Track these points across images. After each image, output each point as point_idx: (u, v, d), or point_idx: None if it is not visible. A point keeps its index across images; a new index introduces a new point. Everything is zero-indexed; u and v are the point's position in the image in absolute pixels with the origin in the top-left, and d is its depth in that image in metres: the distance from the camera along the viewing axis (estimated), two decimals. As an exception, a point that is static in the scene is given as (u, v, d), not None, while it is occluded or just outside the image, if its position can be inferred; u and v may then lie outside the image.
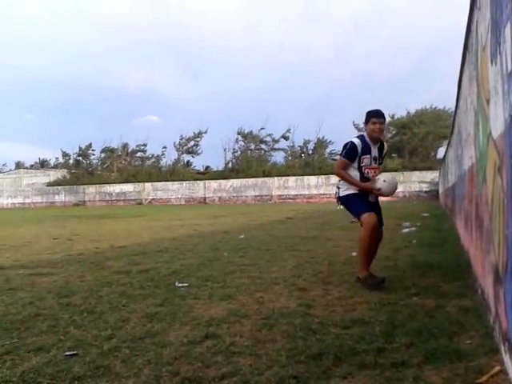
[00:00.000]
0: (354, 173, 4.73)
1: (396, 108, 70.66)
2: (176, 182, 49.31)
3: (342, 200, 4.84)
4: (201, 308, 3.79)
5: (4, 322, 3.43)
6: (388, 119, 53.44)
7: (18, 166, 69.07)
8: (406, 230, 10.16)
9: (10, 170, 65.03)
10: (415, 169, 41.75)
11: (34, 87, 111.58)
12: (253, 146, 57.76)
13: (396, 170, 41.60)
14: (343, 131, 69.12)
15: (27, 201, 54.82)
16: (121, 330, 3.20)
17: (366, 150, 4.67)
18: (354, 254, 6.55)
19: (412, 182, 40.75)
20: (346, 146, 4.71)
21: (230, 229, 12.15)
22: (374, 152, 4.75)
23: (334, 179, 38.41)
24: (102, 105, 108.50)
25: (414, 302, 3.80)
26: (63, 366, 2.54)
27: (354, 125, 53.32)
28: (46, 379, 2.35)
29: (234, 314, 3.56)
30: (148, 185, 50.29)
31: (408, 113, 52.82)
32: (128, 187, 50.93)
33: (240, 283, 4.76)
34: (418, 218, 13.88)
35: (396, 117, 52.98)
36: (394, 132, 53.03)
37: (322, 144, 55.00)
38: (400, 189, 40.74)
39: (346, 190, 4.79)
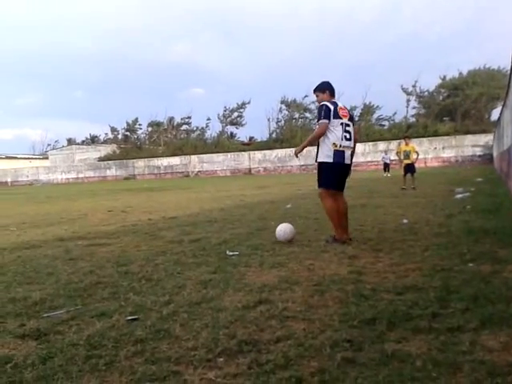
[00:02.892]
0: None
1: (447, 69, 67.24)
2: (221, 154, 49.74)
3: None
4: (252, 275, 3.88)
5: (68, 290, 3.66)
6: (438, 81, 51.11)
7: (70, 142, 72.12)
8: (460, 196, 9.84)
9: (63, 147, 67.88)
10: (468, 132, 39.92)
11: (81, 64, 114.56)
12: (297, 115, 57.08)
13: (448, 134, 40.01)
14: (391, 95, 66.84)
15: (80, 176, 57.11)
16: (178, 296, 3.34)
17: None
18: (406, 221, 6.45)
19: (465, 146, 39.06)
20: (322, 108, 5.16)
21: (276, 199, 12.20)
22: None
23: (382, 146, 37.37)
24: (146, 79, 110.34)
25: (469, 267, 3.73)
26: (126, 330, 2.69)
27: (403, 88, 51.48)
28: (111, 342, 2.51)
29: (285, 280, 3.63)
30: (194, 157, 51.05)
31: (460, 73, 50.28)
32: (175, 160, 51.93)
33: (289, 251, 4.82)
34: (471, 183, 13.37)
35: (448, 78, 50.49)
36: (445, 94, 50.67)
37: (368, 110, 53.50)
38: (452, 153, 39.23)
39: None
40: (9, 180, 59.73)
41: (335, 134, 5.06)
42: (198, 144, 55.76)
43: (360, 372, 2.02)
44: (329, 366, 2.08)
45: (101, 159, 57.92)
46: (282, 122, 56.34)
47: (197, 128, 65.13)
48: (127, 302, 3.25)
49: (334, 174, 5.17)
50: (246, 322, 2.72)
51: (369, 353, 2.20)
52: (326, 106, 5.09)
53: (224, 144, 53.96)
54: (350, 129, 5.22)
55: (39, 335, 2.69)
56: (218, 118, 60.63)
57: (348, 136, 5.17)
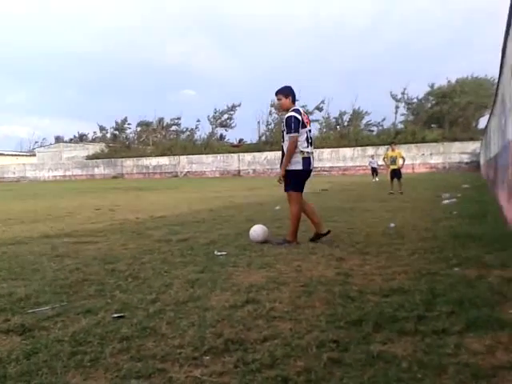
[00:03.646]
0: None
1: (436, 77, 67.93)
2: (210, 155, 49.61)
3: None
4: (240, 275, 3.88)
5: (53, 287, 3.62)
6: (427, 88, 51.58)
7: (58, 140, 71.39)
8: (446, 202, 9.94)
9: (51, 144, 67.18)
10: (455, 139, 40.33)
11: (72, 63, 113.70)
12: (287, 117, 56.97)
13: (436, 141, 40.39)
14: (380, 102, 67.39)
15: (68, 173, 56.55)
16: (165, 294, 3.33)
17: None
18: (393, 225, 6.50)
19: (452, 153, 39.47)
20: (292, 120, 5.27)
21: (265, 201, 12.21)
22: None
23: (371, 151, 37.62)
24: (138, 80, 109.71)
25: (455, 272, 3.76)
26: (111, 327, 2.67)
27: (392, 95, 51.84)
28: (96, 339, 2.48)
29: (273, 281, 3.63)
30: (183, 158, 50.85)
31: (449, 82, 50.69)
32: (164, 160, 51.67)
33: (277, 252, 4.83)
34: (458, 190, 13.52)
35: (436, 86, 51.01)
36: (433, 102, 51.18)
37: (357, 115, 53.75)
38: (440, 160, 39.61)
39: None
40: (-6, 176, 58.99)
41: (302, 142, 5.30)
42: (187, 145, 55.54)
43: (346, 372, 2.02)
44: (315, 365, 2.09)
45: (89, 157, 57.44)
46: (272, 124, 56.37)
47: (186, 129, 64.86)
48: (113, 300, 3.23)
49: (301, 179, 5.43)
50: (233, 321, 2.71)
51: (355, 353, 2.20)
52: (295, 117, 5.22)
53: (213, 145, 53.86)
54: (312, 134, 5.52)
55: (24, 331, 2.65)
56: (208, 119, 60.45)
57: (311, 141, 5.46)
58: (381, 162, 18.52)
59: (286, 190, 5.47)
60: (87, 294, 3.42)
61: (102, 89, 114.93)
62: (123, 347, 2.36)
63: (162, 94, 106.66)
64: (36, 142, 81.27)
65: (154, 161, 52.33)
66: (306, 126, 5.33)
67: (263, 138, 53.83)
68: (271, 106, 56.04)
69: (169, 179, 43.87)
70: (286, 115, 5.30)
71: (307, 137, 5.35)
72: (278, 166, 5.36)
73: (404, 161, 14.52)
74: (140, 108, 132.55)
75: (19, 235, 6.67)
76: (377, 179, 22.93)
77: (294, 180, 5.36)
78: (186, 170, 50.48)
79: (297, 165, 5.32)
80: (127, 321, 2.77)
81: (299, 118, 5.25)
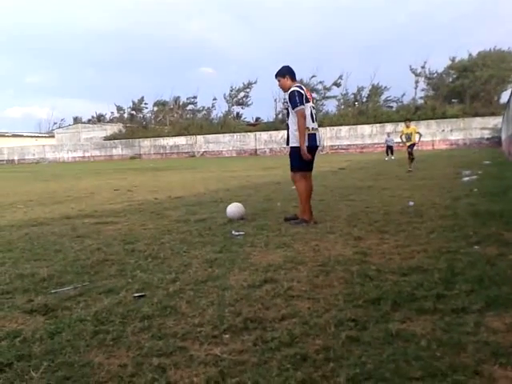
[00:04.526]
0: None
1: (457, 50, 65.98)
2: (227, 134, 49.49)
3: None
4: (258, 255, 3.90)
5: (75, 267, 3.70)
6: (448, 62, 50.23)
7: (76, 121, 71.89)
8: (467, 179, 9.77)
9: (69, 125, 67.78)
10: (476, 114, 39.39)
11: (91, 42, 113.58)
12: (306, 94, 56.31)
13: (456, 116, 39.52)
14: (399, 77, 65.96)
15: (86, 154, 57.14)
16: (184, 274, 3.38)
17: None
18: (411, 203, 6.43)
19: (473, 129, 38.61)
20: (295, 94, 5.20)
21: (282, 180, 12.18)
22: None
23: (390, 127, 37.02)
24: (155, 58, 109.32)
25: (475, 250, 3.72)
26: (133, 306, 2.73)
27: (411, 69, 50.70)
28: (118, 318, 2.55)
29: (291, 260, 3.65)
30: (200, 137, 50.86)
31: (470, 55, 49.26)
32: (181, 140, 51.77)
33: (295, 232, 4.83)
34: (479, 166, 13.26)
35: (457, 59, 49.61)
36: (454, 76, 49.89)
37: (376, 91, 52.79)
38: (460, 136, 38.81)
39: None
40: (15, 158, 59.91)
41: (307, 118, 5.23)
42: (203, 124, 55.44)
43: (364, 350, 2.04)
44: (333, 344, 2.11)
45: (107, 138, 57.83)
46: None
47: (203, 108, 64.65)
48: (134, 280, 3.29)
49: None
50: (252, 300, 2.75)
51: (373, 332, 2.22)
52: (298, 91, 5.17)
53: (230, 124, 53.65)
54: (315, 111, 5.49)
55: (47, 311, 2.73)
56: (225, 97, 60.10)
57: (315, 118, 5.43)
58: (397, 140, 18.21)
59: (292, 170, 5.42)
60: (108, 273, 3.49)
61: (119, 68, 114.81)
62: (144, 326, 2.41)
63: (179, 73, 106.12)
64: (55, 123, 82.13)
65: (170, 141, 52.48)
66: (309, 101, 5.30)
67: (280, 116, 53.38)
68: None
69: (186, 159, 44.06)
70: (289, 91, 5.25)
71: (311, 112, 5.32)
72: (294, 144, 5.26)
73: (420, 136, 14.40)
74: (157, 87, 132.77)
75: (40, 216, 6.81)
76: (392, 157, 22.49)
77: (301, 157, 5.25)
78: (202, 150, 50.56)
79: (297, 141, 5.25)
80: (148, 300, 2.83)
81: (302, 91, 5.21)
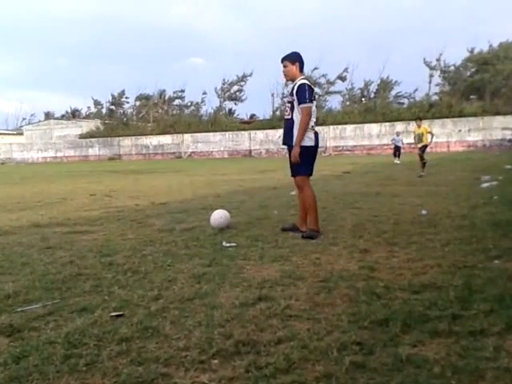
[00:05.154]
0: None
1: (476, 41, 66.63)
2: (218, 133, 49.58)
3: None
4: (251, 269, 3.91)
5: (44, 282, 3.68)
6: (466, 54, 50.67)
7: (48, 116, 71.74)
8: (486, 185, 9.84)
9: (40, 121, 67.61)
10: (497, 113, 39.68)
11: (65, 29, 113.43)
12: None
13: (475, 115, 39.79)
14: (412, 70, 66.49)
15: (59, 154, 57.01)
16: (168, 291, 3.37)
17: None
18: (424, 212, 6.46)
19: (493, 129, 38.90)
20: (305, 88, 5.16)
21: (279, 184, 12.21)
22: (288, 92, 5.40)
23: (400, 127, 37.27)
24: (137, 46, 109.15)
25: (495, 265, 3.75)
26: (109, 327, 2.72)
27: (425, 62, 51.10)
28: (92, 340, 2.53)
29: (289, 275, 3.66)
30: (187, 136, 50.91)
31: (490, 46, 49.82)
32: (166, 139, 51.79)
33: (293, 243, 4.85)
34: (499, 171, 13.35)
35: (476, 51, 50.09)
36: (473, 69, 50.34)
37: (386, 85, 53.21)
38: (479, 137, 39.05)
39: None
40: (-22, 158, 59.70)
41: (313, 116, 5.27)
42: (192, 121, 55.52)
43: (370, 378, 2.04)
44: (336, 370, 2.11)
45: (82, 136, 57.73)
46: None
47: (191, 103, 64.82)
48: (111, 297, 3.28)
49: (313, 159, 5.37)
50: (244, 320, 2.74)
51: (381, 357, 2.22)
52: (309, 85, 5.17)
53: (221, 122, 53.74)
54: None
55: (12, 331, 2.71)
56: (216, 91, 60.28)
57: (317, 116, 5.52)
58: (408, 140, 18.22)
59: (295, 174, 5.37)
60: (82, 290, 3.47)
61: (96, 58, 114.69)
62: (122, 349, 2.40)
63: (165, 63, 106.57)
64: (24, 119, 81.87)
65: (154, 140, 52.49)
66: (315, 99, 5.36)
67: (277, 112, 53.55)
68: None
69: (171, 160, 44.04)
70: (299, 82, 5.18)
71: (315, 111, 5.38)
72: (281, 143, 5.23)
73: (433, 136, 14.54)
74: (139, 80, 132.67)
75: (6, 224, 6.77)
76: (398, 162, 21.90)
77: (307, 159, 5.23)
78: (190, 150, 50.59)
79: (309, 141, 5.23)
80: (127, 320, 2.82)
81: (312, 87, 5.22)
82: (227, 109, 61.79)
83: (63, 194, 11.50)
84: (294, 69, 5.27)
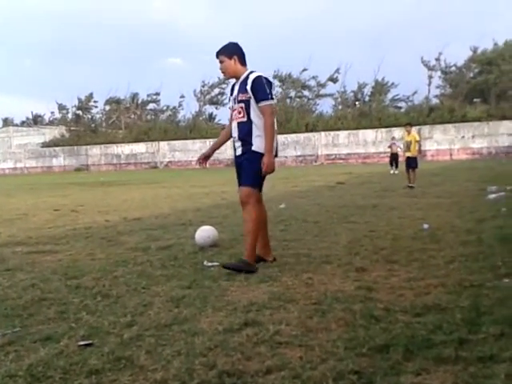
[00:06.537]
0: None
1: (480, 39, 67.71)
2: (197, 141, 49.65)
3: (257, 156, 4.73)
4: (236, 291, 3.90)
5: (3, 308, 3.64)
6: (469, 53, 51.52)
7: (7, 122, 71.04)
8: (493, 196, 9.96)
9: (-3, 129, 67.03)
10: (504, 117, 40.38)
11: (24, 25, 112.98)
12: (293, 93, 57.25)
13: (479, 120, 40.38)
14: (410, 71, 67.34)
15: (19, 165, 56.67)
16: (143, 316, 3.34)
17: (232, 91, 5.01)
18: (426, 226, 6.52)
19: (499, 135, 39.55)
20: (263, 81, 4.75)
21: (266, 197, 12.17)
22: (236, 90, 4.91)
23: (398, 133, 37.71)
24: (107, 45, 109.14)
25: (504, 284, 3.78)
26: (77, 357, 2.68)
27: (423, 61, 51.87)
28: (58, 373, 2.50)
29: (278, 298, 3.65)
30: (163, 144, 50.93)
31: (495, 44, 50.77)
32: (139, 147, 51.75)
33: (283, 262, 4.85)
34: (507, 181, 13.54)
35: (479, 50, 51.01)
36: (476, 70, 51.21)
37: (381, 88, 53.86)
38: (484, 144, 39.61)
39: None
40: None
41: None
42: (168, 128, 55.60)
43: (370, 411, 2.04)
44: (331, 403, 2.10)
45: (45, 145, 57.41)
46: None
47: (167, 107, 64.93)
48: (79, 324, 3.24)
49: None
50: (229, 348, 2.73)
51: (381, 387, 2.22)
52: (267, 79, 4.79)
53: (201, 128, 53.87)
54: None
55: (-33, 364, 2.66)
56: (195, 95, 60.53)
57: None
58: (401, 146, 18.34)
59: (245, 184, 4.78)
60: (46, 316, 3.43)
61: (61, 57, 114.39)
62: (92, 383, 2.37)
63: (138, 64, 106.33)
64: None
65: (126, 148, 52.41)
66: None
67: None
68: (274, 77, 56.02)
69: (146, 171, 43.96)
70: (253, 76, 4.71)
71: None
72: (260, 149, 4.66)
73: (420, 146, 14.69)
74: (109, 82, 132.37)
75: (-41, 244, 6.68)
76: (396, 171, 21.58)
77: (258, 168, 4.66)
78: (167, 160, 50.55)
79: (263, 147, 4.68)
80: (96, 350, 2.78)
81: (270, 80, 4.88)
82: (207, 114, 62.01)
83: (24, 210, 11.40)
84: (233, 63, 4.84)
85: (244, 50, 4.94)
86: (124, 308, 3.55)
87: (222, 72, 4.97)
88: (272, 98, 4.74)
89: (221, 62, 4.89)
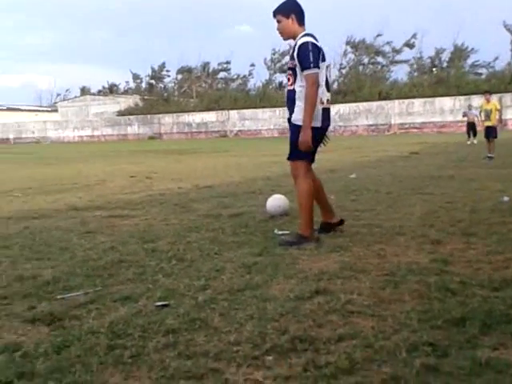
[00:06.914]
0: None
1: None
2: (267, 109, 49.53)
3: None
4: (307, 260, 3.91)
5: (85, 269, 3.83)
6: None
7: (84, 92, 73.66)
8: None
9: (75, 97, 69.66)
10: None
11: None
12: (366, 60, 55.81)
13: None
14: (491, 35, 63.92)
15: (96, 133, 58.55)
16: (216, 281, 3.43)
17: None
18: (506, 198, 6.28)
19: None
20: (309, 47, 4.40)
21: (336, 167, 12.13)
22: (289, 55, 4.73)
23: (478, 101, 36.18)
24: (179, 14, 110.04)
25: None
26: (154, 317, 2.81)
27: (505, 26, 49.05)
28: (137, 331, 2.62)
29: (349, 267, 3.64)
30: (233, 113, 51.16)
31: None
32: (210, 116, 52.24)
33: (353, 232, 4.81)
34: None
35: None
36: None
37: (460, 53, 51.48)
38: None
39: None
40: (11, 137, 62.10)
41: (321, 84, 4.48)
42: (238, 96, 55.73)
43: (445, 382, 2.02)
44: (405, 373, 2.09)
45: (120, 113, 59.08)
46: (347, 68, 55.22)
47: (237, 76, 65.03)
48: (156, 285, 3.37)
49: (317, 142, 4.60)
50: (300, 315, 2.76)
51: (456, 360, 2.19)
52: (314, 44, 4.40)
53: (271, 97, 53.58)
54: (329, 73, 4.87)
55: (52, 320, 2.83)
56: (265, 63, 60.19)
57: (330, 84, 4.78)
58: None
59: (290, 158, 4.67)
60: (125, 277, 3.59)
61: (135, 28, 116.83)
62: (169, 342, 2.47)
63: (209, 33, 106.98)
64: (58, 95, 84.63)
65: (197, 117, 53.04)
66: (324, 60, 4.52)
67: (334, 85, 52.93)
68: (347, 43, 54.76)
69: (216, 140, 44.45)
70: (300, 41, 4.42)
71: (326, 77, 4.59)
72: (298, 121, 4.46)
73: (501, 114, 14.04)
74: (181, 51, 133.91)
75: (42, 207, 7.07)
76: (475, 141, 20.84)
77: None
78: (236, 129, 50.85)
79: (314, 119, 4.42)
80: (173, 310, 2.89)
81: (318, 45, 4.44)
82: (278, 82, 61.52)
83: (102, 176, 11.86)
84: (290, 22, 4.51)
85: (303, 7, 4.59)
86: (198, 272, 3.65)
87: (280, 33, 4.66)
88: (316, 67, 4.35)
89: (278, 21, 4.60)
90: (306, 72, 4.33)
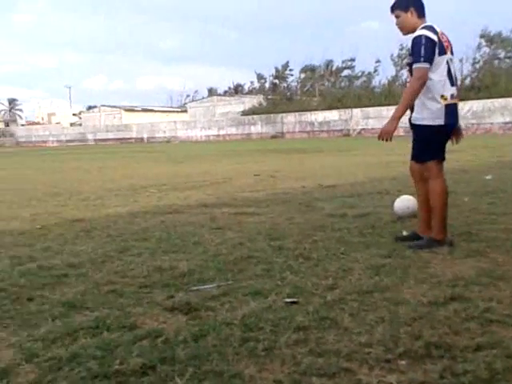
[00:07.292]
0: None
1: None
2: (392, 107, 47.61)
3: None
4: (439, 264, 3.79)
5: (217, 263, 4.02)
6: None
7: (211, 92, 76.61)
8: None
9: (203, 98, 72.61)
10: None
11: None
12: (502, 54, 52.33)
13: None
14: None
15: (221, 132, 60.45)
16: (343, 281, 3.44)
17: None
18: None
19: None
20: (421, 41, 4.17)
21: (469, 167, 11.58)
22: None
23: None
24: (302, 14, 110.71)
25: None
26: (284, 313, 2.87)
27: None
28: (268, 325, 2.70)
29: (487, 274, 3.48)
30: (357, 111, 50.38)
31: None
32: (332, 115, 51.90)
33: (491, 237, 4.57)
34: None
35: None
36: None
37: None
38: None
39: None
40: (145, 136, 66.06)
41: (443, 79, 4.24)
42: (362, 94, 54.79)
43: None
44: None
45: (244, 113, 60.54)
46: (481, 63, 52.17)
47: (362, 73, 64.00)
48: (284, 282, 3.45)
49: (443, 141, 4.42)
50: (435, 321, 2.69)
51: None
52: (427, 37, 4.15)
53: (397, 94, 51.89)
54: (455, 67, 4.43)
55: (189, 310, 3.01)
56: (392, 59, 58.58)
57: (455, 79, 4.39)
58: None
59: (417, 159, 4.49)
60: (253, 273, 3.71)
61: (259, 29, 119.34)
62: (300, 338, 2.52)
63: (334, 30, 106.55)
64: (187, 96, 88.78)
65: (320, 116, 52.92)
66: (445, 53, 4.24)
67: (467, 81, 50.25)
68: (481, 36, 51.81)
69: (338, 138, 44.14)
70: (414, 34, 4.24)
71: (449, 70, 4.27)
72: (417, 121, 4.34)
73: None
74: (305, 49, 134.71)
75: (175, 203, 7.48)
76: None
77: (433, 142, 4.35)
78: (360, 127, 50.10)
79: (436, 119, 4.23)
80: (301, 308, 2.94)
81: (434, 38, 4.17)
82: (404, 79, 59.62)
83: (228, 174, 12.26)
84: (409, 16, 4.32)
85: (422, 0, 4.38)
86: (325, 271, 3.68)
87: (400, 28, 4.47)
88: (427, 61, 4.13)
89: (396, 16, 4.42)
90: (415, 65, 4.17)
